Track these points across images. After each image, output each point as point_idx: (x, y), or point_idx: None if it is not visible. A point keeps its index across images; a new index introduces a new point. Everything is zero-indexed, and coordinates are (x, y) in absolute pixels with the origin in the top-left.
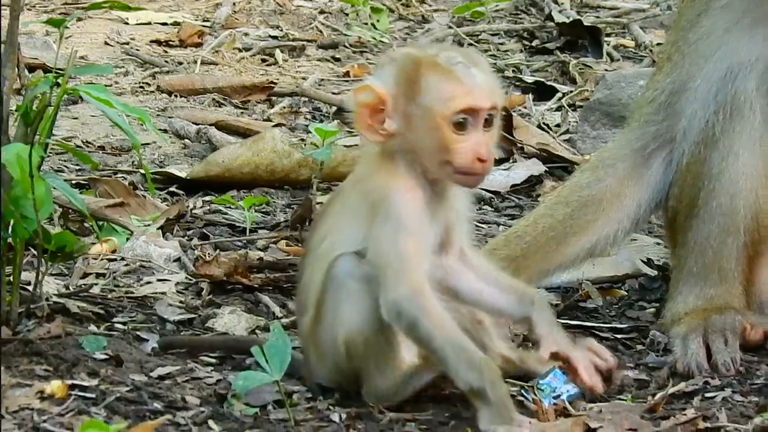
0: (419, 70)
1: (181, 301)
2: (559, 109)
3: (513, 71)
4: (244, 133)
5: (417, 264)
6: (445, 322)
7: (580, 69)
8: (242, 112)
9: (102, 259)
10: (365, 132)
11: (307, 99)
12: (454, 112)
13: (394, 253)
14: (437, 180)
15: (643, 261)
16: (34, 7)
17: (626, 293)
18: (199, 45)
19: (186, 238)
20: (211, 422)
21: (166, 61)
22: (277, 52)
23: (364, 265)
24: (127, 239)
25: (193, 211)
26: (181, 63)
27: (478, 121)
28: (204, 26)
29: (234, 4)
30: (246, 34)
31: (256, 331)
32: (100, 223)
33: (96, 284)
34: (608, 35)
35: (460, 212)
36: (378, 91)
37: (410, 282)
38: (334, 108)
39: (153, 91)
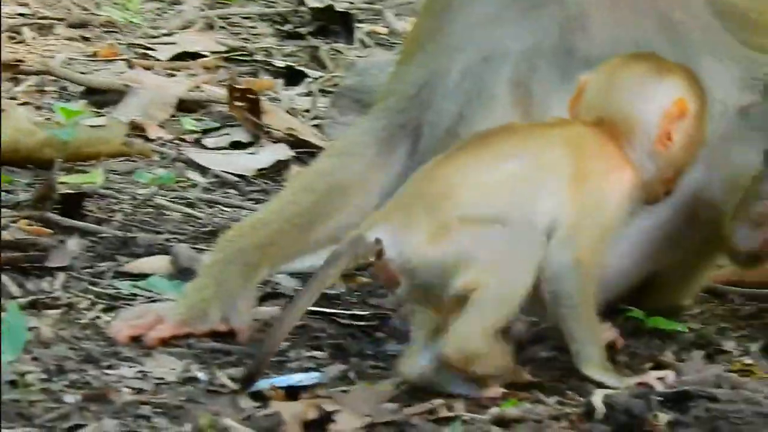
0: None
1: None
2: (308, 94)
3: (264, 55)
4: None
5: None
6: None
7: (331, 55)
8: None
9: None
10: None
11: (54, 78)
12: None
13: None
14: None
15: None
16: None
17: (368, 280)
18: None
19: None
20: None
21: None
22: (25, 29)
23: None
24: None
25: None
26: None
27: None
28: None
29: None
30: None
31: None
32: None
33: None
34: (361, 21)
35: None
36: None
37: None
38: (82, 88)
39: None
